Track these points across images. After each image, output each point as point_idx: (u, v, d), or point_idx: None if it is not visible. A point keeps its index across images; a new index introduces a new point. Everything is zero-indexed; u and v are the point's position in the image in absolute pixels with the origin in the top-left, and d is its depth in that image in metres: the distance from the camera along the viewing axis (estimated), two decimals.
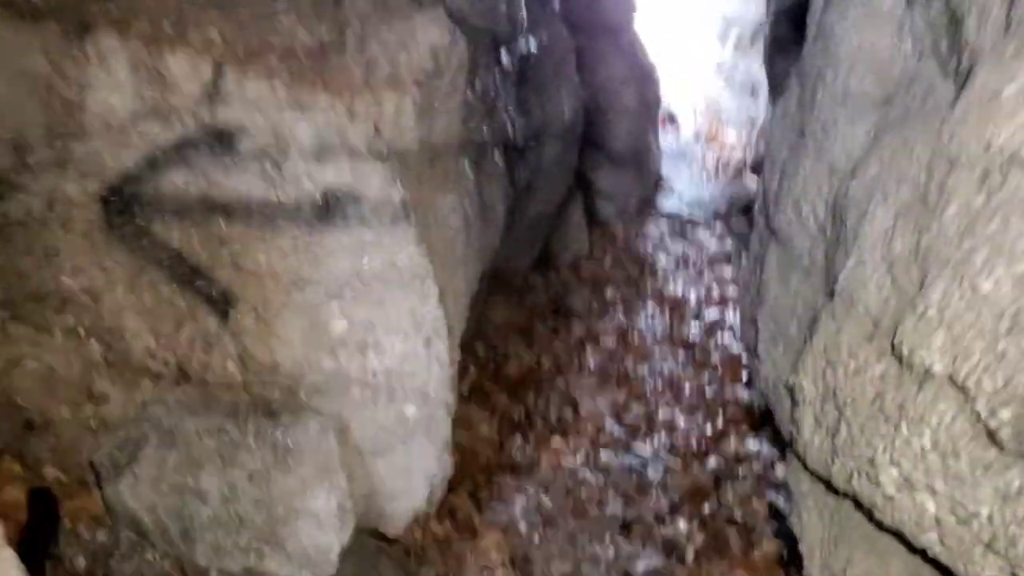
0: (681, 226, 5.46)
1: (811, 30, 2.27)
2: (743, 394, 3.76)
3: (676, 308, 4.51)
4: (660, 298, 4.61)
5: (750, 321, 2.35)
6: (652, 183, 5.77)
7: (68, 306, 2.51)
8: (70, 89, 2.33)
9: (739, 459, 3.37)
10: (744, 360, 3.92)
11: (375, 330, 2.53)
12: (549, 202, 4.46)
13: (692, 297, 4.64)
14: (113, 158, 2.39)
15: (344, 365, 2.54)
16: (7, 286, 2.48)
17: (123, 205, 2.43)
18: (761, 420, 3.50)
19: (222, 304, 2.50)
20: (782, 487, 3.12)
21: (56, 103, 2.34)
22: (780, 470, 3.24)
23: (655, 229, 5.41)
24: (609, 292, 4.62)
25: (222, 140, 2.38)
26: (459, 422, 3.27)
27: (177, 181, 2.41)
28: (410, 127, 2.52)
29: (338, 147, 2.41)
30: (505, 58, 3.48)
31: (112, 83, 2.33)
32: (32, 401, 2.56)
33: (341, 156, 2.41)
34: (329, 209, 2.43)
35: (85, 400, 2.57)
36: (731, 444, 3.46)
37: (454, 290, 2.77)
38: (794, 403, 1.76)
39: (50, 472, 2.60)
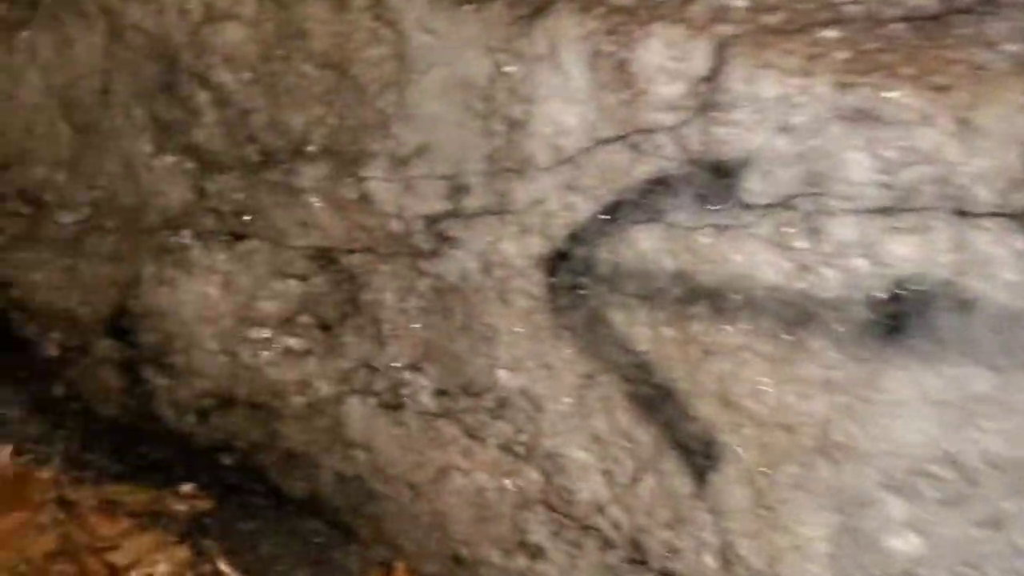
0: None
1: None
2: None
3: None
4: None
5: None
6: None
7: (506, 411, 1.76)
8: (514, 102, 1.57)
9: None
10: None
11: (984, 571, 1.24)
12: None
13: None
14: (562, 205, 1.55)
15: None
16: (442, 370, 1.85)
17: (572, 277, 1.58)
18: None
19: (700, 457, 1.48)
20: None
21: (497, 124, 1.60)
22: None
23: None
24: None
25: (717, 180, 1.36)
26: None
27: (645, 245, 1.46)
28: None
29: (931, 194, 1.18)
30: None
31: (564, 88, 1.49)
32: (460, 527, 1.90)
33: (935, 213, 1.18)
34: (899, 318, 1.22)
35: (517, 548, 1.80)
36: None
37: None
38: None
39: None
